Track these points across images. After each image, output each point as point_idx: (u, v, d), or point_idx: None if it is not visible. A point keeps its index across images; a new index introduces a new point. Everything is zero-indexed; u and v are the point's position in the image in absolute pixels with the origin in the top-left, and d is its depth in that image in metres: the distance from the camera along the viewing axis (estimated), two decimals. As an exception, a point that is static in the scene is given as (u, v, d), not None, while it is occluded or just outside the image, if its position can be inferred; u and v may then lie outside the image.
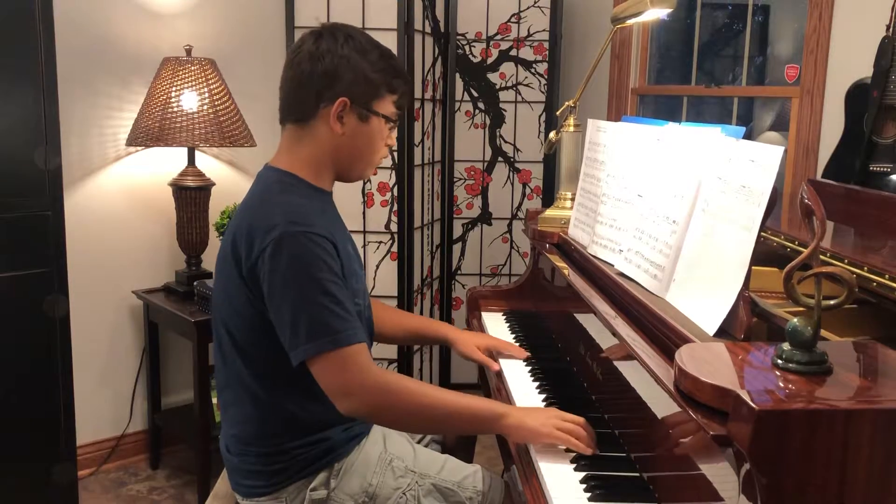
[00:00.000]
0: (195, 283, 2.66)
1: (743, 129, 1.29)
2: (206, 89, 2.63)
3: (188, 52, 2.67)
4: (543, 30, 3.28)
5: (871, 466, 0.86)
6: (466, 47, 3.30)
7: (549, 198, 3.30)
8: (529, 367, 1.78)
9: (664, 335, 1.25)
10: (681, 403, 1.01)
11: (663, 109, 3.54)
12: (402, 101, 1.54)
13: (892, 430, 0.85)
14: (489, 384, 1.84)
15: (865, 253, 1.48)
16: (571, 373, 1.74)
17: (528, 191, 3.40)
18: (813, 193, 0.94)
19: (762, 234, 1.15)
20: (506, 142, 3.37)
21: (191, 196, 2.70)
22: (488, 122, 3.36)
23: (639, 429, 1.33)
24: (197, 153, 2.78)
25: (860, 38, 2.56)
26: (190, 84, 2.60)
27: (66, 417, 2.24)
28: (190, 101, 2.60)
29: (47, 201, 2.14)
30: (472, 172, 3.39)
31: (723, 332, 1.16)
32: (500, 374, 1.77)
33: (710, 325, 1.18)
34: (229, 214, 2.68)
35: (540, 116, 3.34)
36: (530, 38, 3.29)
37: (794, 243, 1.54)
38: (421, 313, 3.25)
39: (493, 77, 3.33)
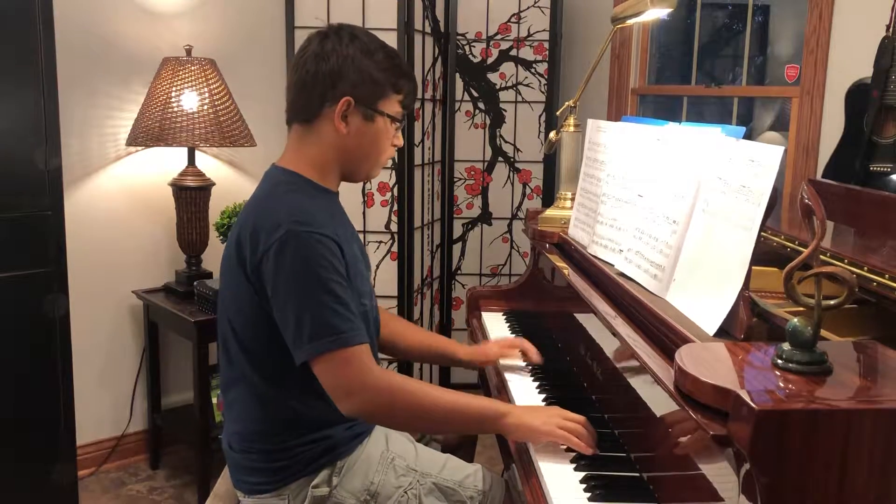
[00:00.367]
0: (195, 283, 2.66)
1: (743, 129, 1.29)
2: (206, 89, 2.63)
3: (188, 52, 2.67)
4: (543, 30, 3.28)
5: (871, 466, 0.86)
6: (466, 47, 3.30)
7: (549, 198, 3.30)
8: (530, 367, 1.79)
9: (664, 335, 1.25)
10: (681, 403, 1.01)
11: (663, 109, 3.54)
12: (407, 101, 1.54)
13: (892, 430, 0.85)
14: (489, 384, 1.84)
15: (865, 253, 1.48)
16: (571, 373, 1.74)
17: (528, 191, 3.40)
18: (813, 193, 0.94)
19: (762, 234, 1.15)
20: (506, 142, 3.37)
21: (191, 196, 2.70)
22: (488, 122, 3.36)
23: (639, 429, 1.33)
24: (197, 153, 2.78)
25: (860, 38, 2.56)
26: (190, 84, 2.60)
27: (66, 417, 2.24)
28: (190, 101, 2.60)
29: (47, 201, 2.14)
30: (472, 172, 3.39)
31: (723, 332, 1.16)
32: (500, 375, 1.77)
33: (710, 325, 1.18)
34: (229, 214, 2.68)
35: (540, 116, 3.34)
36: (530, 38, 3.29)
37: (794, 243, 1.54)
38: (421, 313, 3.26)
39: (493, 77, 3.33)
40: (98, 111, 2.70)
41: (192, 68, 2.62)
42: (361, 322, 1.42)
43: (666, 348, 1.22)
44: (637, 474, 1.29)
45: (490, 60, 3.32)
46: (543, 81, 3.32)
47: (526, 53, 3.31)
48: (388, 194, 3.02)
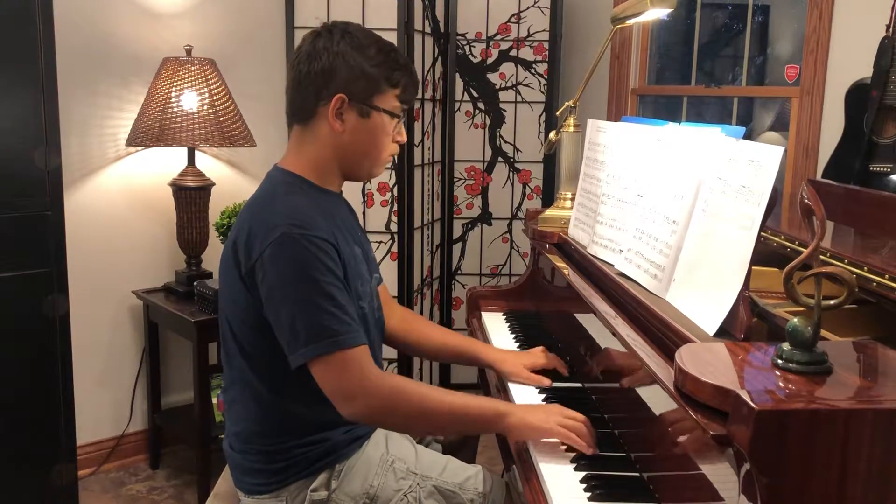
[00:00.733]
0: (195, 283, 2.66)
1: (743, 129, 1.29)
2: (206, 89, 2.63)
3: (188, 52, 2.67)
4: (543, 30, 3.28)
5: (871, 466, 0.86)
6: (466, 47, 3.30)
7: (549, 198, 3.30)
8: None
9: (664, 335, 1.25)
10: (681, 403, 1.01)
11: (663, 109, 3.54)
12: (406, 95, 1.51)
13: (892, 430, 0.85)
14: (489, 384, 1.84)
15: (865, 253, 1.48)
16: (571, 373, 1.74)
17: (528, 191, 3.40)
18: (813, 193, 0.94)
19: (762, 234, 1.15)
20: (506, 142, 3.37)
21: (191, 196, 2.70)
22: (488, 122, 3.36)
23: (639, 429, 1.33)
24: (197, 153, 2.78)
25: (860, 38, 2.56)
26: (190, 84, 2.60)
27: (66, 417, 2.24)
28: (190, 101, 2.60)
29: (47, 201, 2.14)
30: (472, 172, 3.39)
31: (723, 332, 1.16)
32: (502, 379, 1.76)
33: (710, 325, 1.17)
34: (229, 214, 2.68)
35: (540, 116, 3.34)
36: (530, 38, 3.29)
37: (794, 243, 1.54)
38: (421, 313, 3.26)
39: (493, 77, 3.33)
40: (98, 111, 2.70)
41: (192, 68, 2.62)
42: (359, 324, 1.41)
43: (666, 348, 1.21)
44: (637, 474, 1.28)
45: (490, 60, 3.32)
46: (543, 81, 3.32)
47: (526, 53, 3.31)
48: (388, 194, 3.03)
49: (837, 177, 2.49)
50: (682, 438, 1.10)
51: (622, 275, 1.52)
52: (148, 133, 2.58)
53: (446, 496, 1.52)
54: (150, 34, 2.77)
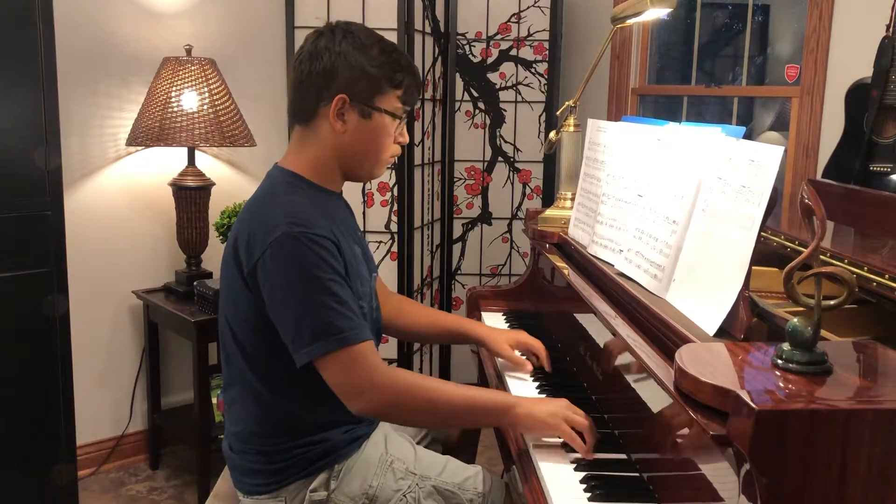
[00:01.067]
0: (195, 283, 2.66)
1: (743, 129, 1.29)
2: (206, 89, 2.63)
3: (188, 52, 2.67)
4: (543, 30, 3.28)
5: (871, 466, 0.86)
6: (466, 47, 3.30)
7: (549, 198, 3.30)
8: (530, 368, 1.78)
9: (664, 335, 1.25)
10: (681, 403, 1.01)
11: (663, 109, 3.54)
12: (408, 96, 1.51)
13: (892, 430, 0.85)
14: (489, 384, 1.84)
15: (865, 253, 1.48)
16: (571, 373, 1.74)
17: (528, 191, 3.40)
18: (813, 193, 0.94)
19: (762, 234, 1.15)
20: (506, 142, 3.37)
21: (191, 196, 2.70)
22: (488, 121, 3.36)
23: (639, 429, 1.33)
24: (197, 153, 2.78)
25: (860, 38, 2.56)
26: (190, 84, 2.60)
27: (66, 417, 2.24)
28: (190, 101, 2.60)
29: (47, 201, 2.14)
30: (472, 172, 3.39)
31: (723, 332, 1.16)
32: (500, 375, 1.77)
33: (710, 325, 1.17)
34: (229, 214, 2.68)
35: (540, 116, 3.33)
36: (530, 38, 3.29)
37: (794, 243, 1.54)
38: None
39: (493, 77, 3.33)
40: (98, 111, 2.70)
41: (192, 68, 2.62)
42: (363, 320, 1.42)
43: (666, 348, 1.21)
44: (637, 474, 1.28)
45: (490, 60, 3.32)
46: (543, 81, 3.32)
47: (526, 53, 3.31)
48: (388, 194, 3.02)
49: (837, 177, 2.49)
50: (681, 439, 1.10)
51: (622, 275, 1.52)
52: (148, 133, 2.58)
53: (445, 496, 1.52)
54: (150, 34, 2.77)
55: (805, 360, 0.94)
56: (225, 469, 1.62)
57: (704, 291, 1.23)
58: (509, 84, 3.33)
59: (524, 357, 1.77)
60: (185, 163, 2.74)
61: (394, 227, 3.04)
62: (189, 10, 2.85)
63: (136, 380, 2.89)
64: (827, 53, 2.73)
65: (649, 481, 1.25)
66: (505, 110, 3.35)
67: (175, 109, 2.58)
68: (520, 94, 3.33)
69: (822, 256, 1.31)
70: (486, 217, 3.43)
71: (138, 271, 2.85)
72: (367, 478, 1.49)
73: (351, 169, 1.54)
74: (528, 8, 3.27)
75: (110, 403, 2.85)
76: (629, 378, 1.36)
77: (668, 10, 1.93)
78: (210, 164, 2.93)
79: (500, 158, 3.39)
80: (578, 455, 1.35)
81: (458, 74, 3.31)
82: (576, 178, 1.98)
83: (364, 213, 3.03)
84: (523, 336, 1.81)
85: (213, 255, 2.81)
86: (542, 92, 3.32)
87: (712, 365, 1.01)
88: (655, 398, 1.21)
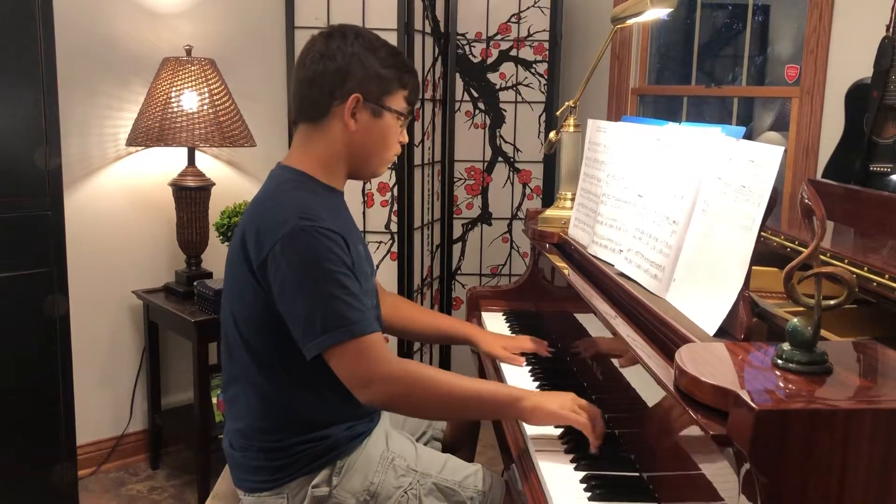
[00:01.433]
0: (195, 283, 2.66)
1: (743, 129, 1.29)
2: (206, 89, 2.63)
3: (188, 52, 2.67)
4: (543, 30, 3.28)
5: (870, 466, 0.86)
6: (466, 47, 3.30)
7: (549, 198, 3.30)
8: (529, 367, 1.79)
9: (664, 335, 1.25)
10: (681, 403, 1.01)
11: (663, 109, 3.54)
12: (412, 96, 1.56)
13: (892, 430, 0.85)
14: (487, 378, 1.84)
15: (865, 253, 1.48)
16: (571, 373, 1.74)
17: (528, 191, 3.40)
18: (813, 193, 0.94)
19: (762, 234, 1.15)
20: (506, 142, 3.37)
21: (191, 196, 2.70)
22: (488, 122, 3.36)
23: (639, 429, 1.33)
24: (197, 153, 2.78)
25: (860, 38, 2.56)
26: (190, 84, 2.60)
27: (66, 417, 2.24)
28: (190, 101, 2.60)
29: (47, 201, 2.14)
30: (472, 172, 3.39)
31: (723, 332, 1.16)
32: (500, 375, 1.77)
33: (710, 325, 1.18)
34: (229, 214, 2.68)
35: (540, 116, 3.33)
36: (530, 38, 3.29)
37: (794, 243, 1.54)
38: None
39: (493, 77, 3.33)
40: (98, 111, 2.70)
41: (192, 68, 2.62)
42: (371, 312, 1.43)
43: (666, 348, 1.22)
44: (637, 474, 1.29)
45: (490, 60, 3.32)
46: (543, 81, 3.32)
47: (526, 53, 3.31)
48: (388, 194, 3.02)
49: (837, 177, 2.49)
50: (681, 438, 1.10)
51: (622, 275, 1.52)
52: (148, 133, 2.58)
53: (446, 494, 1.52)
54: (150, 34, 2.77)
55: (805, 360, 0.94)
56: (225, 469, 1.63)
57: (704, 291, 1.23)
58: (509, 84, 3.34)
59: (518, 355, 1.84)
60: (185, 163, 2.74)
61: (394, 227, 3.04)
62: (189, 10, 2.85)
63: (136, 380, 2.89)
64: (827, 53, 2.72)
65: (649, 481, 1.25)
66: (505, 110, 3.35)
67: (175, 109, 2.58)
68: (520, 94, 3.34)
69: (822, 256, 1.31)
70: (486, 217, 3.43)
71: (138, 271, 2.85)
72: (369, 474, 1.50)
73: (357, 166, 1.56)
74: (528, 8, 3.27)
75: (110, 403, 2.85)
76: (629, 378, 1.36)
77: (669, 10, 1.93)
78: (210, 164, 2.93)
79: (500, 158, 3.39)
80: (578, 454, 1.35)
81: (458, 74, 3.31)
82: (576, 179, 1.98)
83: (364, 213, 3.03)
84: (519, 341, 1.87)
85: (213, 255, 2.82)
86: (542, 92, 3.32)
87: (712, 365, 1.01)
88: (655, 398, 1.21)
